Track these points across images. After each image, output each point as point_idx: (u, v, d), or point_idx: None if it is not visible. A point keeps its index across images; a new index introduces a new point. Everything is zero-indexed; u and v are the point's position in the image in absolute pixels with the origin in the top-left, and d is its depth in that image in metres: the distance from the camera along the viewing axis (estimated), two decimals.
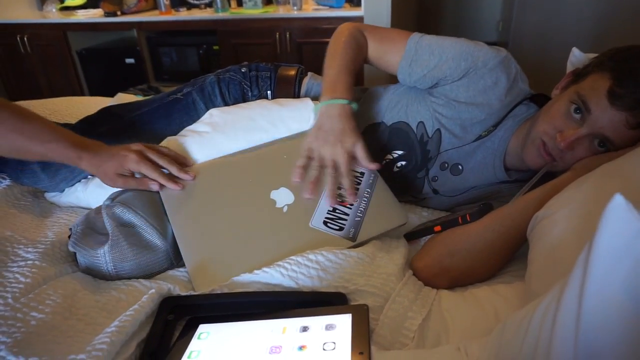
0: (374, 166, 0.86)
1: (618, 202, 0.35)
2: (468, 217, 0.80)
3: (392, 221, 0.85)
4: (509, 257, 0.78)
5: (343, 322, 0.60)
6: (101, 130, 1.00)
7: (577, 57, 1.00)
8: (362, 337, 0.57)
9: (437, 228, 0.84)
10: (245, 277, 0.72)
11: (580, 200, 0.60)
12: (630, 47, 0.78)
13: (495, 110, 0.91)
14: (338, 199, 0.84)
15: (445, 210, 1.04)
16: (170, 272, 0.79)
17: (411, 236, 0.89)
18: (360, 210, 0.84)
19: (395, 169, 1.02)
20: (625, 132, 0.72)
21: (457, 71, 0.91)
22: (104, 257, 0.76)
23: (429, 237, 0.87)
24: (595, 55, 0.87)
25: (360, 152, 0.86)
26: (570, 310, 0.39)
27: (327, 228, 0.81)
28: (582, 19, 1.95)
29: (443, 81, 0.94)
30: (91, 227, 0.81)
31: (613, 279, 0.35)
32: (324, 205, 0.83)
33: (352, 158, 0.86)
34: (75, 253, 0.79)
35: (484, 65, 0.90)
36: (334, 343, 0.57)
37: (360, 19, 2.37)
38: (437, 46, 0.93)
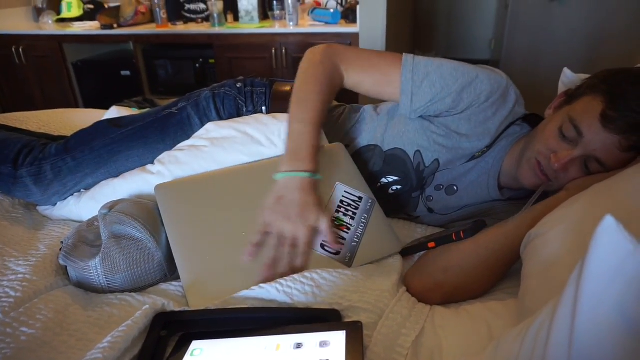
0: (337, 246, 0.80)
1: (609, 223, 0.36)
2: (462, 234, 0.80)
3: (387, 248, 0.86)
4: (502, 274, 0.78)
5: (337, 339, 0.60)
6: (94, 145, 0.99)
7: (568, 77, 1.02)
8: (356, 354, 0.57)
9: (431, 244, 0.85)
10: (241, 293, 0.72)
11: (573, 220, 0.61)
12: (622, 69, 0.79)
13: (493, 135, 0.92)
14: (336, 223, 0.84)
15: (439, 227, 1.04)
16: (164, 286, 0.78)
17: (405, 252, 0.89)
18: (357, 235, 0.84)
19: (391, 192, 1.02)
20: (618, 154, 0.73)
21: (459, 105, 0.89)
22: (95, 269, 0.75)
23: (423, 253, 0.87)
24: (587, 76, 0.89)
25: (325, 228, 0.79)
26: (563, 328, 0.39)
27: (324, 251, 0.80)
28: (573, 39, 1.99)
29: (445, 113, 0.92)
30: (82, 240, 0.80)
31: (605, 299, 0.35)
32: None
33: (315, 233, 0.80)
34: (66, 266, 0.78)
35: (486, 100, 0.88)
36: None
37: (355, 36, 2.40)
38: (437, 76, 0.88)
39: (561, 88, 1.03)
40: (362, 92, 0.95)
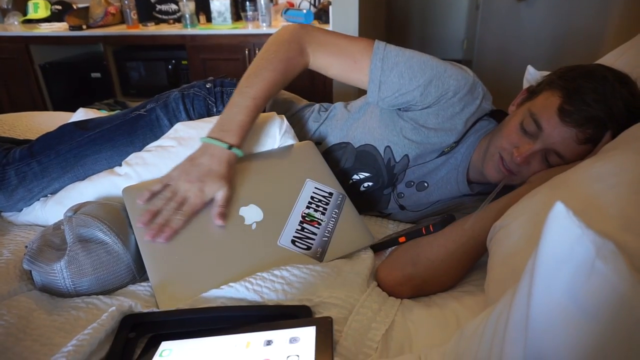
0: (220, 222, 0.79)
1: (559, 210, 0.37)
2: (431, 228, 0.82)
3: (358, 242, 0.87)
4: (470, 266, 0.80)
5: (307, 335, 0.60)
6: (60, 148, 0.97)
7: (531, 74, 1.06)
8: (325, 350, 0.57)
9: (402, 239, 0.86)
10: (211, 292, 0.71)
11: (533, 210, 0.63)
12: (578, 66, 0.82)
13: (460, 131, 0.93)
14: (307, 219, 0.84)
15: (411, 223, 1.06)
16: (132, 288, 0.77)
17: (377, 247, 0.90)
18: (328, 230, 0.85)
19: (362, 189, 1.03)
20: (575, 146, 0.76)
21: (427, 98, 0.89)
22: (61, 272, 0.73)
23: (394, 247, 0.88)
24: (548, 72, 0.92)
25: (219, 199, 0.80)
26: (520, 313, 0.40)
27: (294, 247, 0.81)
28: (539, 39, 2.05)
29: (413, 106, 0.92)
30: (48, 244, 0.78)
31: (556, 284, 0.37)
32: (293, 223, 0.83)
33: (207, 203, 0.80)
34: (30, 271, 0.76)
35: (454, 95, 0.88)
36: (298, 356, 0.56)
37: None
38: (405, 67, 0.88)
39: (525, 84, 1.06)
40: (329, 76, 0.95)
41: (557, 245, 0.37)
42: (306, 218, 0.85)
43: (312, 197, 0.88)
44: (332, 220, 0.87)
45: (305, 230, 0.83)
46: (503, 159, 0.84)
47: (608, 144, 0.72)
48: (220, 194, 0.80)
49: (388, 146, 0.97)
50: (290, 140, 0.97)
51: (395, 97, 0.91)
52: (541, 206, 0.62)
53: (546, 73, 0.95)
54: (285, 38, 0.91)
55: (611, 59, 0.95)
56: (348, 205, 0.91)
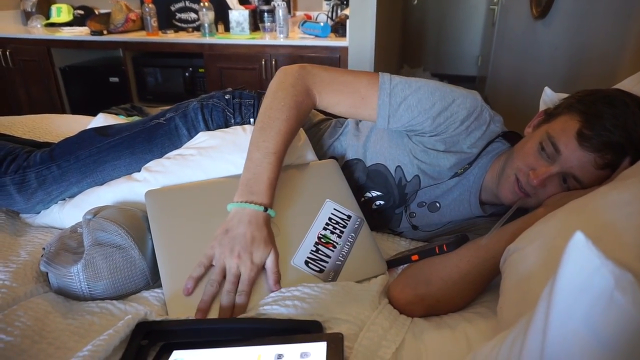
0: (276, 287, 0.76)
1: (578, 239, 0.37)
2: (445, 248, 0.82)
3: (371, 269, 0.86)
4: (483, 287, 0.80)
5: (318, 350, 0.60)
6: (80, 153, 0.99)
7: (549, 96, 1.05)
8: None
9: (415, 257, 0.86)
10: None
11: (548, 235, 0.63)
12: (597, 90, 0.82)
13: (469, 153, 0.94)
14: (322, 240, 0.84)
15: (423, 241, 1.06)
16: (145, 294, 0.78)
17: (389, 264, 0.90)
18: (343, 254, 0.84)
19: (374, 207, 1.04)
20: (593, 171, 0.76)
21: (436, 129, 0.90)
22: (77, 275, 0.74)
23: (406, 265, 0.88)
24: (566, 95, 0.92)
25: (270, 265, 0.77)
26: (535, 343, 0.40)
27: (307, 268, 0.81)
28: (555, 58, 2.05)
29: (421, 133, 0.93)
30: (65, 247, 0.80)
31: (574, 314, 0.37)
32: (308, 244, 0.83)
33: (261, 270, 0.77)
34: (47, 273, 0.78)
35: (461, 124, 0.89)
36: None
37: (344, 50, 2.43)
38: (414, 100, 0.87)
39: (542, 106, 1.06)
40: (337, 113, 0.93)
41: (576, 275, 0.37)
42: (322, 239, 0.84)
43: (329, 219, 0.88)
44: (348, 245, 0.86)
45: (319, 251, 0.83)
46: (519, 181, 0.83)
47: (626, 171, 0.72)
48: (270, 260, 0.77)
49: (399, 166, 0.97)
50: (309, 151, 0.97)
51: (405, 127, 0.92)
52: (556, 231, 0.62)
53: (563, 95, 0.95)
54: (289, 82, 0.87)
55: (630, 84, 0.95)
56: (365, 230, 0.90)
